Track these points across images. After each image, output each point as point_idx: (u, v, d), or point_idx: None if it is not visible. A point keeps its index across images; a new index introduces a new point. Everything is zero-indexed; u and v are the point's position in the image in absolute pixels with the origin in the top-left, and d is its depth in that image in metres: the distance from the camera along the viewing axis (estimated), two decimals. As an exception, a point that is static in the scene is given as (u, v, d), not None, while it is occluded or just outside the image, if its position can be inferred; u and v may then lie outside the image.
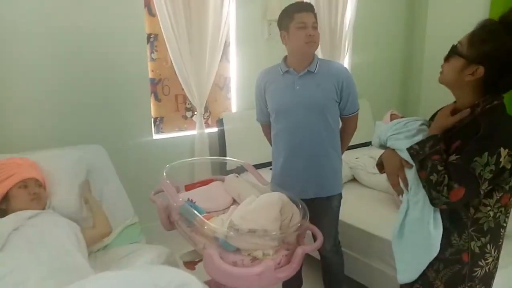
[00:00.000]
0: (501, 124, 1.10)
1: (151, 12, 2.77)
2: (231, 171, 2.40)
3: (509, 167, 1.06)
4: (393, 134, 1.28)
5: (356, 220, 2.24)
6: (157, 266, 1.38)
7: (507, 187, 1.12)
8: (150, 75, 2.85)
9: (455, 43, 1.16)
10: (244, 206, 1.49)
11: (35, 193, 1.55)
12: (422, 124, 1.26)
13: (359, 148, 3.55)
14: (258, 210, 1.43)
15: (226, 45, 3.10)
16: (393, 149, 1.27)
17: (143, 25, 2.72)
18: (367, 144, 3.61)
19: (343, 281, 2.06)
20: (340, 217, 2.17)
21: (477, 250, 1.16)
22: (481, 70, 1.09)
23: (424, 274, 1.23)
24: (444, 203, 1.09)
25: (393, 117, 1.37)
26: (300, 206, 1.58)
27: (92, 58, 2.51)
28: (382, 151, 1.35)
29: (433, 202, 1.11)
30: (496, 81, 1.12)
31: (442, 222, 1.17)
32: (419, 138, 1.19)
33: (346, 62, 4.04)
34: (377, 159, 1.38)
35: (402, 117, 1.35)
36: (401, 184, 1.26)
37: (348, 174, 2.88)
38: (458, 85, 1.16)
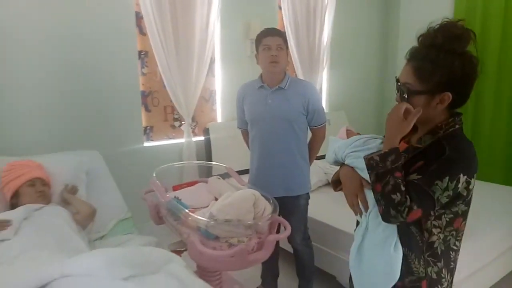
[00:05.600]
0: (465, 150, 1.08)
1: (142, 31, 3.04)
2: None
3: (464, 194, 1.07)
4: (352, 152, 1.22)
5: (326, 218, 2.50)
6: (148, 247, 1.61)
7: (460, 212, 1.11)
8: (141, 88, 3.10)
9: (399, 84, 1.13)
10: (222, 201, 1.74)
11: (41, 191, 1.79)
12: (382, 142, 1.18)
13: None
14: (234, 203, 1.69)
15: (212, 61, 3.37)
16: (352, 167, 1.21)
17: (135, 43, 2.98)
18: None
19: (313, 271, 2.32)
20: (313, 216, 2.46)
21: (434, 275, 1.13)
22: (448, 96, 1.07)
23: None
24: (398, 222, 1.07)
25: (348, 132, 1.35)
26: (271, 201, 1.83)
27: (89, 72, 2.74)
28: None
29: (388, 219, 1.07)
30: (463, 99, 1.11)
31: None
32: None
33: (324, 76, 4.35)
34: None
35: (357, 133, 1.34)
36: (360, 205, 1.21)
37: (323, 178, 3.14)
38: (428, 116, 1.11)
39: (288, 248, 2.39)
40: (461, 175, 1.04)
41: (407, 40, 4.18)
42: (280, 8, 3.78)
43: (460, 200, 1.09)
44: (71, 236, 1.59)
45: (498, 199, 2.81)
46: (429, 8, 4.29)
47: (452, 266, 1.17)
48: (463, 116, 1.17)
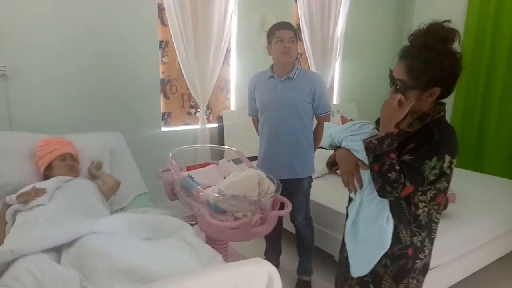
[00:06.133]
0: (450, 134, 1.24)
1: (163, 23, 3.23)
2: (227, 160, 2.85)
3: (447, 172, 1.22)
4: (348, 135, 1.34)
5: (328, 202, 2.66)
6: (161, 215, 1.82)
7: (442, 188, 1.26)
8: (161, 76, 3.31)
9: (394, 77, 1.28)
10: (230, 178, 1.94)
11: (70, 165, 2.02)
12: (374, 127, 1.33)
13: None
14: (240, 181, 1.88)
15: (228, 51, 3.55)
16: (348, 150, 1.33)
17: (156, 33, 3.18)
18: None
19: (313, 250, 2.50)
20: (315, 199, 2.63)
21: (418, 244, 1.28)
22: (437, 90, 1.22)
23: (374, 269, 1.32)
24: (392, 197, 1.22)
25: (343, 119, 1.60)
26: (275, 181, 2.02)
27: (113, 61, 2.97)
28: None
29: (384, 194, 1.21)
30: (449, 91, 1.27)
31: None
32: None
33: (337, 67, 4.47)
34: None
35: (351, 119, 1.59)
36: (355, 183, 1.33)
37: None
38: (418, 107, 1.27)
39: (291, 229, 2.57)
40: (446, 156, 1.19)
41: None
42: (296, 1, 3.91)
43: (444, 178, 1.24)
44: (96, 205, 1.82)
45: (498, 191, 2.92)
46: (444, 5, 4.35)
47: (433, 236, 1.33)
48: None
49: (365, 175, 1.30)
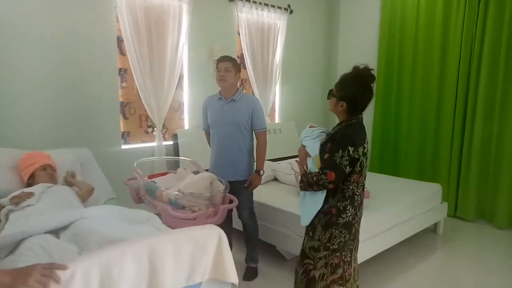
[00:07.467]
0: (349, 134, 1.83)
1: (122, 52, 3.66)
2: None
3: (357, 157, 1.80)
4: (304, 137, 2.04)
5: (270, 201, 3.19)
6: (133, 209, 2.22)
7: (357, 171, 1.85)
8: (120, 99, 3.70)
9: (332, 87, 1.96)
10: (188, 180, 2.41)
11: (51, 174, 2.38)
12: (322, 132, 2.01)
13: (288, 159, 4.36)
14: (196, 181, 2.36)
15: (181, 77, 4.03)
16: (303, 145, 2.02)
17: (116, 62, 3.60)
18: (293, 156, 4.63)
19: (258, 240, 2.99)
20: (259, 200, 3.15)
21: (341, 207, 1.88)
22: (344, 104, 1.87)
23: (312, 221, 1.94)
24: (329, 183, 1.80)
25: (311, 126, 2.14)
26: (224, 182, 2.51)
27: (80, 87, 3.34)
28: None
29: (320, 188, 1.85)
30: (354, 109, 1.89)
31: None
32: (318, 139, 1.96)
33: (277, 91, 5.11)
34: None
35: (313, 126, 2.14)
36: (304, 167, 1.99)
37: (270, 174, 3.86)
38: (336, 112, 1.93)
39: (239, 227, 3.05)
40: (349, 147, 1.80)
41: (344, 61, 5.30)
42: (239, 34, 4.52)
43: (357, 162, 1.83)
44: (77, 205, 2.18)
45: (404, 189, 3.64)
46: (361, 39, 5.29)
47: (356, 204, 1.91)
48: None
49: (309, 161, 1.96)
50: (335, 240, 1.90)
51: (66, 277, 1.20)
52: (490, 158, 4.13)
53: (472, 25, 4.15)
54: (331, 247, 1.91)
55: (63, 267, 1.20)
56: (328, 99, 1.98)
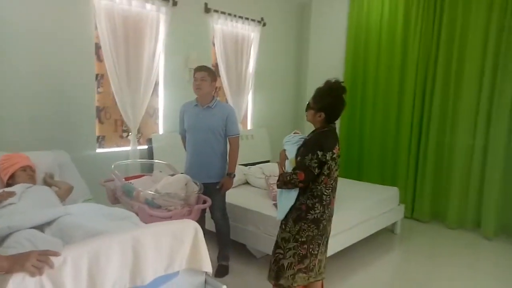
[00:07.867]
0: (320, 139, 2.11)
1: (99, 59, 3.77)
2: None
3: (325, 160, 2.05)
4: (286, 141, 2.32)
5: (242, 203, 3.39)
6: (112, 207, 2.34)
7: (325, 173, 2.10)
8: (96, 104, 3.79)
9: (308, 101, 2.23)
10: (164, 181, 2.56)
11: (30, 174, 2.46)
12: (301, 138, 2.26)
13: (260, 164, 4.58)
14: (172, 182, 2.52)
15: (156, 84, 4.17)
16: (284, 149, 2.29)
17: (93, 68, 3.69)
18: (265, 161, 4.85)
19: (229, 239, 3.18)
20: (232, 202, 3.33)
21: (310, 205, 2.13)
22: (323, 114, 2.14)
23: (286, 215, 2.21)
24: (299, 182, 2.07)
25: (296, 133, 2.37)
26: (198, 184, 2.69)
27: (57, 92, 3.41)
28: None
29: (293, 187, 2.13)
30: (331, 117, 2.16)
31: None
32: (297, 144, 2.20)
33: (250, 99, 5.33)
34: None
35: (297, 132, 2.40)
36: (282, 168, 2.28)
37: (242, 178, 4.06)
38: (314, 121, 2.21)
39: (212, 228, 3.21)
40: (318, 151, 2.05)
41: (314, 70, 5.62)
42: (214, 44, 4.71)
43: (325, 165, 2.07)
44: (57, 204, 2.28)
45: (364, 192, 3.93)
46: (329, 50, 5.60)
47: (324, 203, 2.14)
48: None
49: (287, 163, 2.24)
50: (303, 233, 2.15)
51: (58, 263, 1.35)
52: (443, 164, 4.52)
53: (430, 36, 4.56)
54: (300, 239, 2.15)
55: (56, 254, 1.34)
56: (306, 111, 2.23)
